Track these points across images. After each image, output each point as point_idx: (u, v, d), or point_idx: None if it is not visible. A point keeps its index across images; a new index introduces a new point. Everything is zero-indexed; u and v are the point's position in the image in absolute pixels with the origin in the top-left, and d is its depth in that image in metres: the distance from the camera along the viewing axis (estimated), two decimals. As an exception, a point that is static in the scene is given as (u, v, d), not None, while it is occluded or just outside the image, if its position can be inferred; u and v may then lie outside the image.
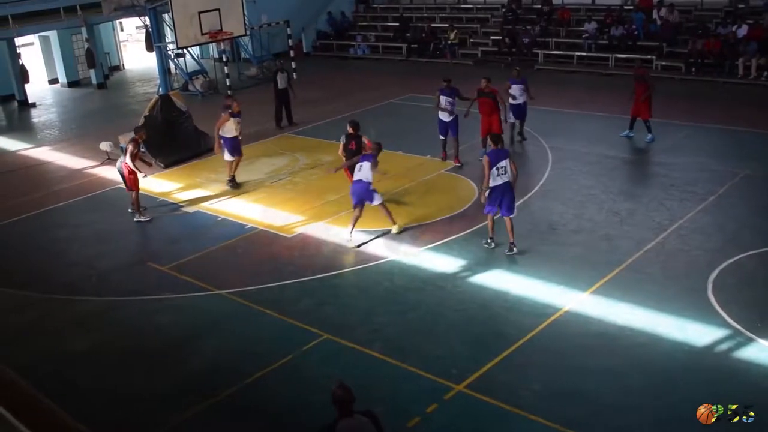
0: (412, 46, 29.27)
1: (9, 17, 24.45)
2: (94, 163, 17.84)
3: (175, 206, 14.83)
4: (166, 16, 23.56)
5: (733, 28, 22.40)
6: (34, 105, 25.81)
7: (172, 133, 17.93)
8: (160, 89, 20.06)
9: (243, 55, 29.53)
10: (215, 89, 25.89)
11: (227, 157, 15.32)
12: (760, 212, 12.69)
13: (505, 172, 11.17)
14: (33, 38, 28.69)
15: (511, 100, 16.54)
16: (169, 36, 25.89)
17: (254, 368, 8.91)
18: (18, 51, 25.49)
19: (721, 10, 24.45)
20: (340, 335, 9.47)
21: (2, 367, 3.61)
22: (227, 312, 10.46)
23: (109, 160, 17.42)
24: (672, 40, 23.88)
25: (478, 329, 9.56)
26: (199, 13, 21.82)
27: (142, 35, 27.32)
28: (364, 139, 13.28)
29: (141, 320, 10.52)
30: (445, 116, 15.54)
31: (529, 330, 9.29)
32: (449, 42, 28.09)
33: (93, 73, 27.93)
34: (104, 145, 17.63)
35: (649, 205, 12.99)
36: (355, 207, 12.22)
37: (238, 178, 15.55)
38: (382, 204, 12.28)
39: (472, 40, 28.74)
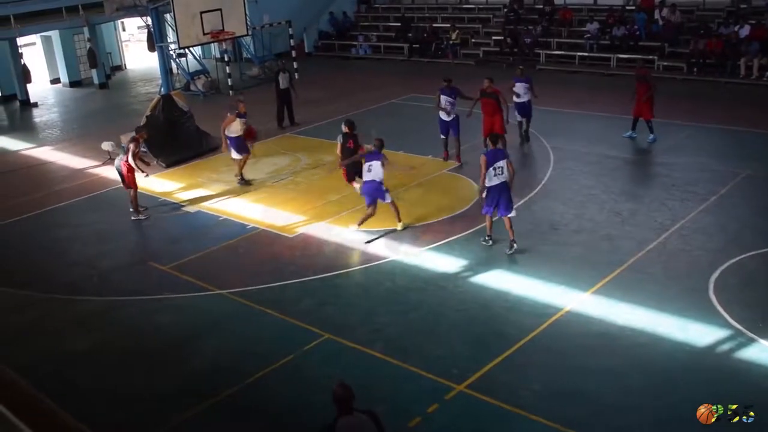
0: (414, 46, 29.27)
1: (11, 17, 24.48)
2: (96, 163, 17.86)
3: (177, 206, 14.84)
4: (168, 16, 23.63)
5: (735, 28, 22.37)
6: (35, 105, 25.84)
7: (173, 133, 17.95)
8: (162, 89, 20.13)
9: (245, 55, 29.55)
10: (217, 89, 25.91)
11: (235, 155, 15.40)
12: (761, 212, 12.68)
13: (502, 173, 11.21)
14: (35, 38, 28.71)
15: (515, 99, 16.56)
16: (171, 36, 25.93)
17: (255, 368, 8.91)
18: (20, 51, 25.50)
19: (723, 10, 24.43)
20: (342, 335, 9.48)
21: (2, 367, 3.61)
22: (228, 312, 10.47)
23: (111, 159, 17.39)
24: (674, 40, 23.86)
25: (479, 329, 9.56)
26: (201, 13, 21.88)
27: (144, 35, 27.40)
28: (362, 149, 13.34)
29: (142, 320, 10.53)
30: (445, 115, 15.57)
31: (530, 330, 9.29)
32: (451, 42, 28.07)
33: (95, 73, 27.95)
34: (106, 145, 17.64)
35: (650, 205, 12.98)
36: (369, 206, 12.31)
37: (237, 181, 15.60)
38: (392, 202, 12.36)
39: (473, 40, 28.72)
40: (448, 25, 29.01)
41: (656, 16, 24.73)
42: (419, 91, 22.33)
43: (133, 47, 34.81)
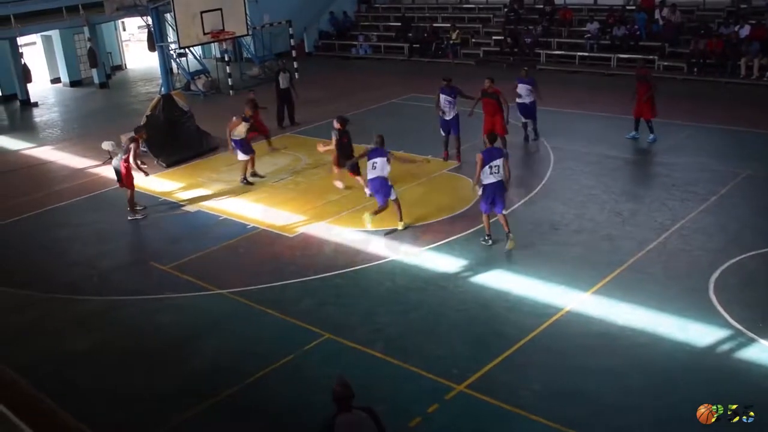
0: (414, 46, 29.28)
1: (11, 17, 24.49)
2: (96, 163, 17.86)
3: (177, 206, 14.84)
4: (168, 16, 23.64)
5: (736, 28, 22.37)
6: (36, 104, 25.85)
7: (174, 133, 17.96)
8: (162, 89, 20.13)
9: (245, 54, 29.55)
10: (217, 89, 25.92)
11: (241, 157, 15.46)
12: (761, 212, 12.67)
13: (498, 171, 11.30)
14: (35, 38, 28.73)
15: (517, 99, 16.59)
16: (171, 36, 25.94)
17: (255, 368, 8.91)
18: (20, 50, 25.51)
19: (724, 10, 24.43)
20: (342, 335, 9.48)
21: (2, 367, 3.62)
22: (228, 312, 10.47)
23: (111, 159, 17.41)
24: (674, 40, 23.86)
25: (479, 329, 9.56)
26: (201, 12, 21.88)
27: (144, 35, 27.41)
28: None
29: (142, 320, 10.53)
30: (446, 115, 15.60)
31: (530, 330, 9.29)
32: (451, 42, 28.07)
33: (95, 72, 27.96)
34: (106, 145, 17.64)
35: (650, 205, 12.98)
36: (381, 205, 12.44)
37: (250, 177, 15.65)
38: (396, 200, 12.42)
39: (474, 40, 28.73)
40: (449, 25, 29.01)
41: (656, 16, 24.74)
42: (419, 91, 22.33)
43: (134, 47, 34.82)
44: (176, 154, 17.61)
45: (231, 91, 25.18)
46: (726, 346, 8.76)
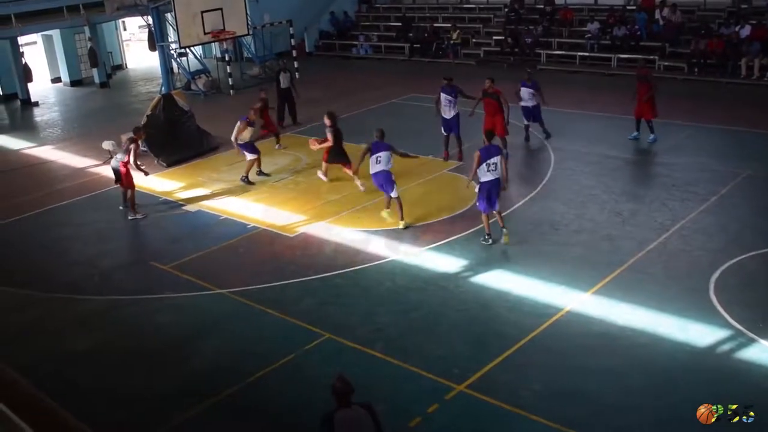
0: (415, 46, 29.27)
1: (12, 16, 24.49)
2: (97, 162, 17.86)
3: (177, 205, 14.85)
4: (168, 16, 23.64)
5: (736, 29, 22.36)
6: (36, 104, 25.84)
7: (174, 133, 17.96)
8: (163, 88, 20.13)
9: (245, 54, 29.55)
10: (218, 89, 25.92)
11: (250, 157, 15.53)
12: (762, 213, 12.68)
13: (495, 169, 11.42)
14: (36, 37, 28.71)
15: (520, 103, 16.63)
16: (171, 35, 25.94)
17: (255, 368, 8.92)
18: (21, 50, 25.51)
19: (724, 10, 24.41)
20: (342, 335, 9.48)
21: (3, 366, 3.62)
22: (228, 311, 10.48)
23: (112, 159, 17.43)
24: (675, 40, 23.85)
25: (479, 329, 9.57)
26: (202, 12, 21.88)
27: (144, 34, 27.41)
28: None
29: (142, 319, 10.53)
30: (446, 113, 15.64)
31: (531, 330, 9.29)
32: (452, 42, 28.06)
33: (96, 72, 27.95)
34: (107, 144, 17.64)
35: (651, 206, 12.98)
36: (388, 198, 12.64)
37: (252, 177, 15.68)
38: (398, 198, 12.51)
39: (474, 40, 28.71)
40: (449, 25, 29.01)
41: (657, 16, 24.73)
42: (420, 91, 22.33)
43: (134, 46, 34.79)
44: (177, 153, 17.61)
45: (231, 91, 25.18)
46: (726, 347, 8.77)
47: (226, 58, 26.70)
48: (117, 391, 8.79)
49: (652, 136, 16.33)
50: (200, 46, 27.47)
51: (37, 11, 25.45)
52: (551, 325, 9.42)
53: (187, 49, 25.25)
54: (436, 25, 29.85)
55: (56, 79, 29.51)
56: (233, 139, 15.30)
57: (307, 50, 31.78)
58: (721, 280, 10.18)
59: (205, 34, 22.21)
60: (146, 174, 14.68)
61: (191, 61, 27.10)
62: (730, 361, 8.55)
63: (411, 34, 29.83)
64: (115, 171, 14.10)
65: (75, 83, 28.83)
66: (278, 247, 12.50)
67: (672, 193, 13.44)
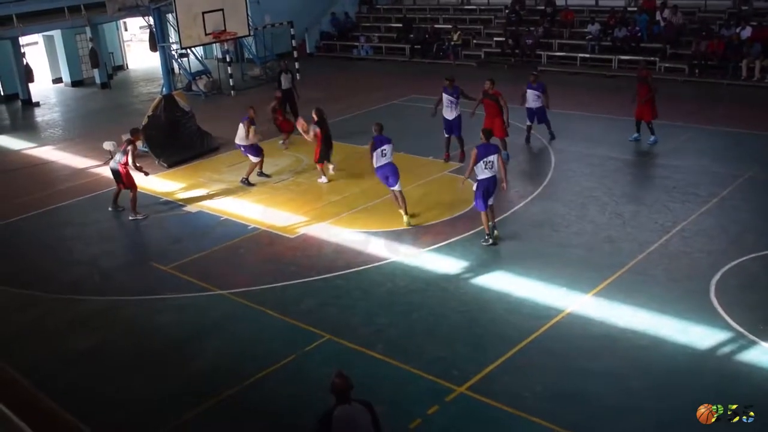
0: (416, 47, 29.27)
1: (13, 16, 24.50)
2: (98, 163, 17.86)
3: (178, 206, 14.84)
4: (170, 16, 23.59)
5: (737, 30, 22.36)
6: (37, 104, 25.86)
7: (175, 133, 17.98)
8: (164, 89, 20.10)
9: (246, 55, 29.55)
10: (218, 89, 25.93)
11: (254, 159, 15.56)
12: (763, 214, 12.67)
13: (492, 167, 11.52)
14: (37, 37, 28.71)
15: (526, 104, 16.68)
16: (172, 36, 25.91)
17: (256, 369, 8.91)
18: (22, 50, 25.52)
19: (725, 11, 24.41)
20: (342, 336, 9.47)
21: (3, 365, 3.62)
22: (229, 312, 10.47)
23: (111, 160, 17.45)
24: (675, 41, 23.85)
25: (480, 331, 9.56)
26: (203, 13, 21.84)
27: (145, 35, 27.38)
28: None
29: (143, 320, 10.53)
30: (448, 114, 15.64)
31: (531, 332, 9.28)
32: (452, 43, 28.07)
33: (97, 72, 27.97)
34: (107, 145, 17.65)
35: (651, 207, 12.97)
36: (398, 190, 12.83)
37: (253, 179, 15.69)
38: (401, 191, 12.69)
39: (475, 41, 28.71)
40: (450, 26, 29.02)
41: (658, 17, 24.73)
42: (420, 92, 22.33)
43: (135, 47, 34.79)
44: (177, 154, 17.62)
45: (232, 92, 25.19)
46: (727, 349, 8.75)
47: (227, 59, 26.71)
48: (117, 392, 8.79)
49: (652, 138, 16.33)
50: (201, 47, 27.48)
51: (39, 12, 25.47)
52: (552, 326, 9.41)
53: (188, 50, 25.24)
54: (436, 26, 29.85)
55: (57, 80, 29.53)
56: (248, 142, 15.30)
57: (307, 51, 31.79)
58: (722, 282, 10.16)
59: (206, 34, 22.17)
60: (146, 174, 14.68)
61: (192, 62, 27.10)
62: (731, 363, 8.54)
63: (412, 36, 29.83)
64: (115, 172, 14.11)
65: (76, 84, 28.85)
66: (279, 248, 12.50)
67: (673, 195, 13.43)
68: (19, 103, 26.14)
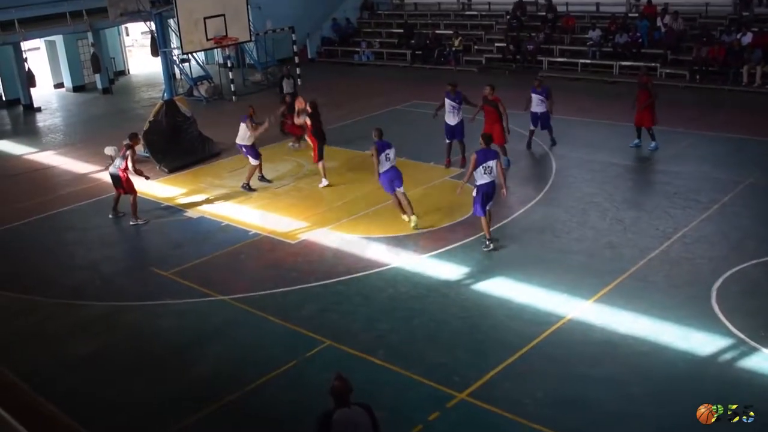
0: (417, 52, 29.30)
1: (15, 21, 24.54)
2: (99, 168, 17.86)
3: (179, 211, 14.85)
4: (171, 22, 23.62)
5: (738, 36, 22.38)
6: (39, 109, 25.88)
7: (176, 139, 17.99)
8: (165, 94, 20.12)
9: (248, 60, 29.60)
10: (220, 95, 25.96)
11: (253, 162, 15.56)
12: (764, 221, 12.67)
13: (491, 172, 11.58)
14: (39, 43, 28.78)
15: (531, 108, 16.70)
16: (174, 41, 25.94)
17: (256, 374, 8.91)
18: (24, 55, 25.56)
19: (726, 17, 24.42)
20: (343, 342, 9.47)
21: (2, 369, 3.61)
22: (230, 318, 10.46)
23: (112, 164, 17.45)
24: (676, 47, 23.88)
25: (481, 337, 9.55)
26: (205, 18, 21.86)
27: (147, 40, 27.41)
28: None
29: (144, 325, 10.53)
30: (450, 120, 15.65)
31: (532, 338, 9.27)
32: (454, 49, 28.11)
33: (98, 77, 27.98)
34: (109, 150, 17.66)
35: (652, 214, 12.97)
36: (394, 197, 12.88)
37: (253, 184, 15.71)
38: (404, 193, 12.80)
39: (476, 46, 28.75)
40: (451, 32, 29.06)
41: (659, 23, 24.76)
42: (422, 98, 22.35)
43: (137, 52, 34.84)
44: (179, 159, 17.63)
45: (233, 97, 25.21)
46: (728, 355, 8.74)
47: (229, 65, 26.73)
48: (118, 397, 8.78)
49: (653, 144, 16.33)
50: (202, 53, 27.53)
51: (41, 17, 25.48)
52: (553, 333, 9.40)
53: (190, 55, 25.27)
54: (438, 31, 29.89)
55: (59, 85, 29.56)
56: (250, 141, 15.35)
57: (309, 56, 31.82)
58: (723, 289, 10.16)
59: (207, 40, 22.17)
60: (147, 178, 14.70)
61: (193, 67, 27.15)
62: (732, 369, 8.53)
63: (413, 41, 29.86)
64: (114, 177, 14.11)
65: (78, 89, 28.87)
66: (280, 253, 12.50)
67: (674, 201, 13.43)
68: (21, 108, 26.15)
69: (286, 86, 19.93)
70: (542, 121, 16.80)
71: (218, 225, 13.94)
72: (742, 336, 8.98)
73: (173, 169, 17.34)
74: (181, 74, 26.66)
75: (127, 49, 33.47)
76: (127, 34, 34.22)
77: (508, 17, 29.08)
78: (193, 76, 26.57)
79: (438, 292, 10.76)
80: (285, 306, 10.60)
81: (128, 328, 10.49)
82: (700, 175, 14.72)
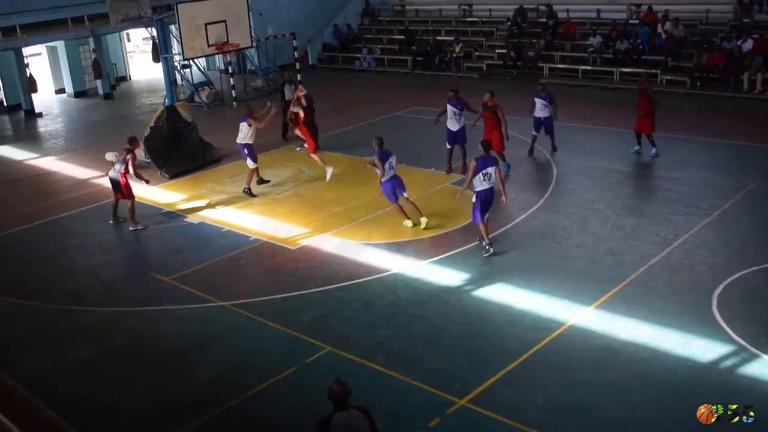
0: (418, 58, 29.34)
1: (17, 27, 24.60)
2: (100, 173, 17.85)
3: (180, 217, 14.85)
4: (172, 28, 23.70)
5: (738, 43, 22.40)
6: (40, 115, 25.93)
7: (177, 144, 18.02)
8: (166, 100, 20.16)
9: (249, 66, 29.65)
10: (221, 101, 26.00)
11: (251, 164, 15.54)
12: (765, 227, 12.67)
13: (490, 179, 11.64)
14: (40, 48, 28.83)
15: (534, 114, 16.72)
16: (175, 47, 26.04)
17: (257, 380, 8.90)
18: (26, 61, 25.61)
19: (726, 24, 24.47)
20: (343, 348, 9.46)
21: (2, 375, 3.61)
22: (230, 324, 10.46)
23: (112, 169, 17.46)
24: (677, 54, 23.91)
25: (481, 343, 9.54)
26: (206, 24, 21.95)
27: (148, 46, 27.45)
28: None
29: (144, 331, 10.52)
30: (453, 126, 15.68)
31: (533, 344, 9.26)
32: (454, 55, 28.15)
33: (100, 83, 28.05)
34: (110, 156, 17.57)
35: (653, 220, 12.97)
36: (396, 204, 13.10)
37: (254, 189, 15.72)
38: (407, 198, 13.02)
39: (477, 53, 28.79)
40: (452, 38, 29.10)
41: (659, 30, 24.80)
42: (423, 104, 22.38)
43: (138, 58, 34.95)
44: (179, 165, 17.65)
45: (234, 103, 25.25)
46: (729, 362, 8.73)
47: (230, 71, 26.78)
48: (118, 402, 8.77)
49: (653, 150, 16.34)
50: (204, 58, 27.58)
51: (42, 22, 25.54)
52: (554, 339, 9.39)
53: (191, 61, 25.33)
54: (438, 38, 29.93)
55: (60, 90, 29.61)
56: (251, 139, 15.49)
57: (310, 63, 31.85)
58: (724, 295, 10.15)
59: (208, 46, 22.27)
60: (147, 182, 14.70)
61: (195, 73, 27.20)
62: (733, 376, 8.52)
63: (414, 47, 29.91)
64: (114, 182, 14.11)
65: (79, 94, 28.93)
66: (280, 259, 12.50)
67: (674, 208, 13.43)
68: (22, 113, 26.20)
69: (288, 92, 19.92)
70: (545, 126, 16.82)
71: (219, 230, 13.95)
72: (743, 343, 8.97)
73: (174, 174, 17.35)
74: (182, 80, 26.72)
75: (128, 54, 33.55)
76: (129, 40, 34.31)
77: (508, 24, 29.13)
78: (195, 82, 26.61)
79: (438, 298, 10.76)
80: (285, 312, 10.60)
81: (129, 334, 10.49)
82: (700, 181, 14.73)
